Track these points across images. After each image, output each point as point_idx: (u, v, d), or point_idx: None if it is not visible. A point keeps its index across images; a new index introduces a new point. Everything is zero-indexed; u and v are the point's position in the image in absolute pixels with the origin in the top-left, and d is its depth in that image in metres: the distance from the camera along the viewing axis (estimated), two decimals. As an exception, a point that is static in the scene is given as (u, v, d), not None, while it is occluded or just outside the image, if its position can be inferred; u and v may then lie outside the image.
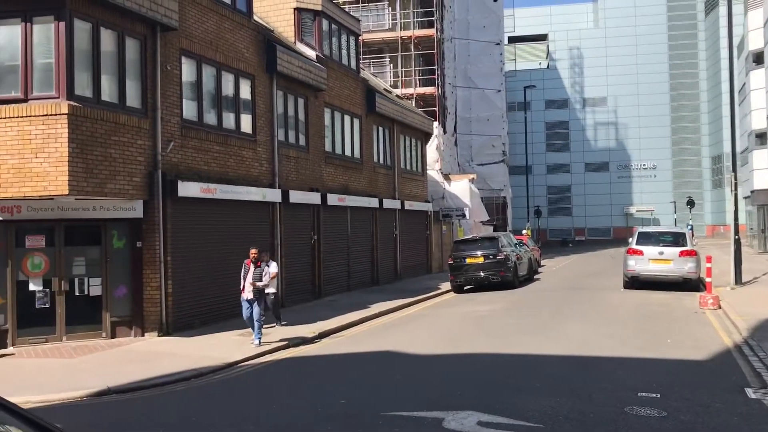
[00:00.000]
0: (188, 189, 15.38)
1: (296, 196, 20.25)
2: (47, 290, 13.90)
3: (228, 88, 17.65)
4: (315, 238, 21.78)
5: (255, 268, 13.60)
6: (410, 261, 30.35)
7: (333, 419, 7.87)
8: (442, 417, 7.70)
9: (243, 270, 13.73)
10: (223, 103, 17.43)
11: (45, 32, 12.81)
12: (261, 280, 13.52)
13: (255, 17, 19.23)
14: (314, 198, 21.44)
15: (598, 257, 43.67)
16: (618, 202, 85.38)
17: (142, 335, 14.55)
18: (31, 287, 13.81)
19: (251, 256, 13.73)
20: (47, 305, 13.89)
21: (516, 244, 26.89)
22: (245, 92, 18.31)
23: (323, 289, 22.00)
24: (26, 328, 13.73)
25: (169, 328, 14.82)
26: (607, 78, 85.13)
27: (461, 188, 37.33)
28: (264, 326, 13.90)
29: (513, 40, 73.67)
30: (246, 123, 18.29)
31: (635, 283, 21.42)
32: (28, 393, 9.42)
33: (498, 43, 48.55)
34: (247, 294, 13.49)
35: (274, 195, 19.09)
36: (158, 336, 14.52)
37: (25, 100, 12.67)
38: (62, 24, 12.65)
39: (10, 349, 13.30)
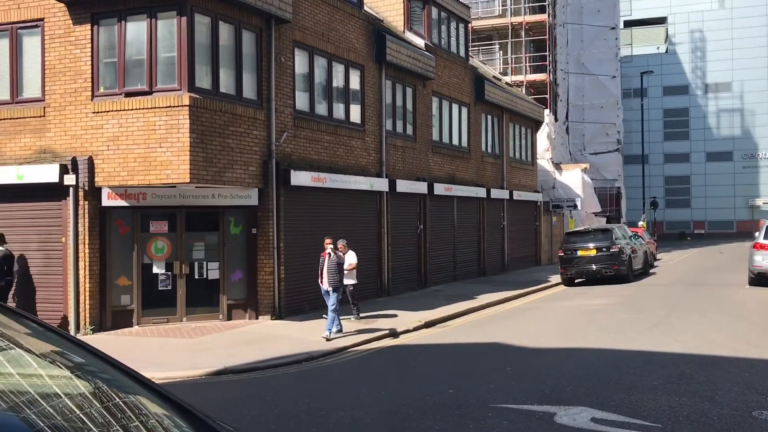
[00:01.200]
0: (300, 178, 15.77)
1: (403, 186, 20.33)
2: (169, 273, 14.66)
3: (338, 79, 17.92)
4: (421, 227, 21.81)
5: (329, 259, 13.39)
6: (518, 252, 29.84)
7: (441, 408, 7.85)
8: (554, 411, 7.51)
9: (320, 261, 13.61)
10: (334, 93, 17.72)
11: (168, 27, 13.45)
12: (337, 270, 13.29)
13: (365, 7, 19.39)
14: (421, 187, 21.45)
15: (719, 252, 41.30)
16: (742, 193, 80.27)
17: (256, 318, 15.09)
18: (155, 270, 14.61)
19: (326, 246, 13.49)
20: (169, 287, 14.66)
21: (631, 236, 25.87)
22: (355, 82, 18.53)
23: (429, 278, 22.02)
24: (150, 309, 14.55)
25: (281, 311, 15.29)
26: (732, 62, 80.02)
27: (573, 178, 36.26)
28: (341, 317, 13.56)
29: (629, 24, 70.59)
30: (355, 113, 18.52)
31: (762, 280, 20.09)
32: (152, 370, 9.98)
33: (613, 28, 46.64)
34: (325, 284, 13.30)
35: (381, 184, 19.25)
36: (271, 319, 15.01)
37: (150, 93, 13.37)
38: (184, 19, 13.23)
39: (135, 328, 14.15)
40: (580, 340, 12.42)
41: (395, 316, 15.62)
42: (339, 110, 18.01)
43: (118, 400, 2.37)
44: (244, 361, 10.79)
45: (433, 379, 9.61)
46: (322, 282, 13.51)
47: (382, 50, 19.03)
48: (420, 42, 21.88)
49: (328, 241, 13.61)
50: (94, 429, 2.16)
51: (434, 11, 22.89)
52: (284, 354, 11.39)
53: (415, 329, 14.35)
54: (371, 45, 18.97)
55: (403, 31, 21.92)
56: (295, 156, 15.97)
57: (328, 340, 12.57)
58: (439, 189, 22.49)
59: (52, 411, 2.24)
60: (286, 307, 15.47)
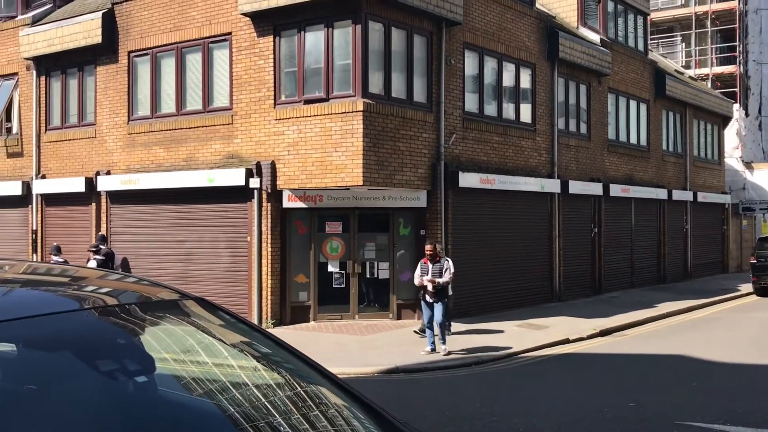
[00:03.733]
0: (468, 180, 15.71)
1: (576, 187, 19.60)
2: (343, 272, 15.20)
3: (508, 79, 17.65)
4: (595, 230, 20.90)
5: (433, 264, 12.06)
6: (702, 258, 27.69)
7: (621, 422, 7.43)
8: (748, 434, 6.85)
9: (419, 269, 12.22)
10: (504, 93, 17.48)
11: (344, 35, 13.95)
12: (441, 277, 11.97)
13: (537, 5, 18.95)
14: (595, 188, 20.56)
15: None
16: None
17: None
18: (330, 268, 15.21)
19: (427, 252, 12.17)
20: (342, 286, 15.20)
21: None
22: (525, 81, 18.15)
23: (603, 284, 21.04)
24: (325, 305, 15.17)
25: (449, 313, 15.27)
26: None
27: (766, 178, 33.06)
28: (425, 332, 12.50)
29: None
30: (525, 112, 18.14)
31: None
32: (326, 365, 10.33)
33: (816, 11, 41.99)
34: (428, 295, 11.95)
35: (552, 185, 18.70)
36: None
37: (326, 100, 13.94)
38: (358, 27, 13.65)
39: (311, 323, 14.82)
40: (778, 357, 11.27)
41: (566, 322, 15.07)
42: (509, 110, 17.73)
43: (299, 389, 2.45)
44: (415, 361, 10.91)
45: (611, 390, 9.14)
46: (425, 294, 12.04)
47: (555, 47, 18.48)
48: (595, 37, 20.99)
49: (429, 247, 12.25)
50: (277, 416, 2.24)
51: (610, 4, 21.87)
52: (452, 356, 11.36)
53: (589, 337, 13.76)
54: (543, 42, 18.49)
55: (577, 27, 21.15)
56: (463, 158, 15.94)
57: (430, 353, 11.61)
58: (616, 190, 21.43)
59: (240, 398, 2.36)
60: (454, 309, 15.43)
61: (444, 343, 11.69)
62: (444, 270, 11.98)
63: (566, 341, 13.20)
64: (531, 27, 18.14)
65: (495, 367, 11.07)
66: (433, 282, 11.80)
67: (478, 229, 16.38)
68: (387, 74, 14.24)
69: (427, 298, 11.92)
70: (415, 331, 13.33)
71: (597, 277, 20.91)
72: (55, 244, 16.53)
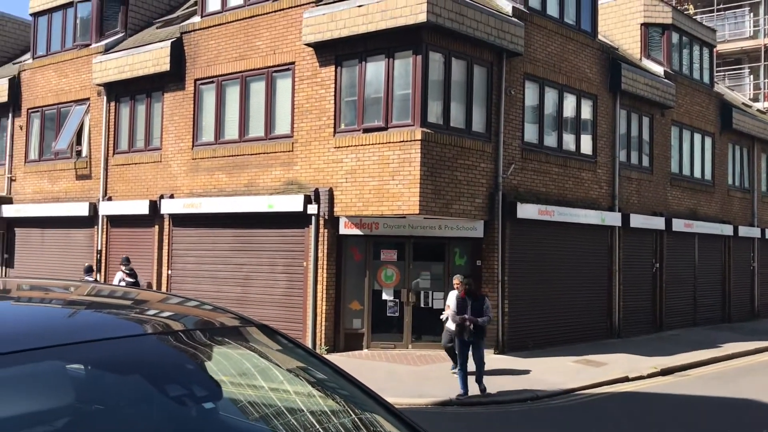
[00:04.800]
0: (526, 211, 15.55)
1: (637, 221, 19.16)
2: (397, 300, 15.16)
3: (569, 110, 17.48)
4: (657, 265, 20.34)
5: (473, 301, 11.19)
6: (771, 298, 26.58)
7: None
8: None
9: (456, 304, 11.35)
10: (564, 124, 17.31)
11: (404, 66, 14.09)
12: (482, 315, 11.14)
13: (599, 36, 18.78)
14: (657, 223, 20.06)
15: None
16: None
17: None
18: (384, 296, 15.20)
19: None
20: (396, 314, 15.14)
21: None
22: (586, 113, 17.94)
23: (664, 321, 20.39)
24: (378, 333, 15.13)
25: (504, 346, 15.06)
26: None
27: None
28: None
29: None
30: (586, 144, 17.90)
31: None
32: (380, 394, 10.30)
33: None
34: (466, 333, 11.05)
35: (613, 218, 18.32)
36: (494, 353, 14.83)
37: (385, 129, 14.06)
38: (419, 57, 13.78)
39: (364, 351, 14.78)
40: None
41: (625, 360, 14.62)
42: (569, 141, 17.52)
43: (354, 416, 2.44)
44: (470, 393, 10.72)
45: (672, 432, 8.80)
46: (462, 332, 11.12)
47: (617, 79, 18.24)
48: (658, 69, 20.65)
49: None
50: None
51: (675, 36, 21.50)
52: (508, 389, 11.16)
53: (650, 376, 13.32)
54: (605, 74, 18.28)
55: (640, 59, 20.85)
56: (522, 188, 15.80)
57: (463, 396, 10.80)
58: (678, 225, 20.85)
59: (295, 423, 2.36)
60: (509, 343, 15.22)
61: (482, 383, 10.87)
62: (485, 308, 11.22)
63: (625, 379, 12.81)
64: (593, 58, 17.98)
65: (551, 403, 10.81)
66: (472, 321, 10.96)
67: (536, 261, 16.14)
68: (446, 104, 14.29)
69: (465, 336, 11.02)
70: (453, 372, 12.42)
71: (658, 313, 20.29)
72: (87, 264, 17.21)
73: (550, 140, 16.92)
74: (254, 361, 2.54)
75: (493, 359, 14.25)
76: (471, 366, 10.99)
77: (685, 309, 21.56)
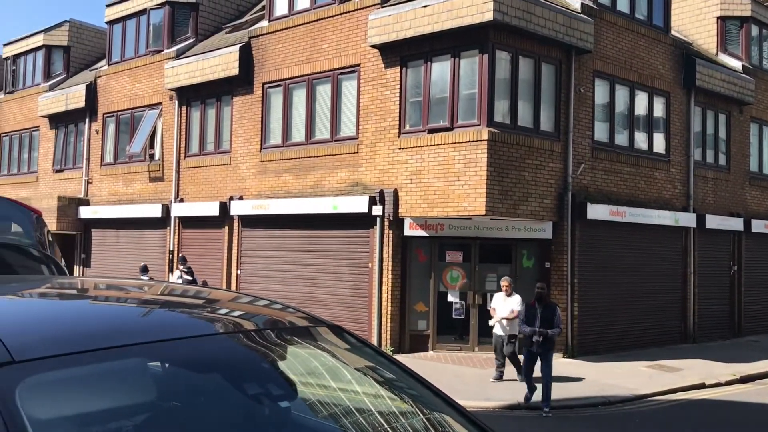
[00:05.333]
0: (597, 211, 15.17)
1: (713, 222, 18.44)
2: (462, 302, 15.02)
3: (640, 107, 16.98)
4: (735, 268, 19.53)
5: (543, 309, 10.41)
6: None
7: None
8: None
9: (525, 312, 10.65)
10: (635, 122, 16.82)
11: (470, 65, 13.96)
12: (553, 326, 10.26)
13: (672, 31, 18.18)
14: (735, 224, 19.25)
15: None
16: None
17: (547, 355, 14.71)
18: (449, 298, 15.08)
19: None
20: (462, 316, 15.00)
21: None
22: (659, 110, 17.39)
23: (743, 326, 19.55)
24: (443, 335, 15.04)
25: (573, 350, 14.73)
26: None
27: None
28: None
29: None
30: (659, 142, 17.35)
31: None
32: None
33: None
34: (535, 345, 10.32)
35: (687, 219, 17.69)
36: (563, 357, 14.52)
37: (450, 129, 13.95)
38: (485, 56, 13.62)
39: (430, 353, 14.71)
40: None
41: (701, 366, 14.08)
42: (641, 140, 17.02)
43: (422, 416, 2.40)
44: (537, 399, 10.53)
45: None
46: (531, 344, 10.39)
47: (692, 75, 17.61)
48: (736, 64, 19.83)
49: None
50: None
51: (754, 29, 20.61)
52: (578, 395, 10.90)
53: (728, 383, 12.78)
54: (678, 70, 17.68)
55: (716, 54, 20.08)
56: (591, 188, 15.42)
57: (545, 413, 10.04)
58: (758, 226, 19.96)
59: (363, 422, 2.34)
60: (579, 347, 14.87)
61: (548, 404, 9.96)
62: (556, 318, 10.37)
63: (701, 386, 12.33)
64: (665, 54, 17.41)
65: (623, 409, 10.49)
66: (542, 334, 10.15)
67: (606, 263, 15.73)
68: (513, 103, 14.09)
69: (533, 347, 10.27)
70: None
71: (736, 318, 19.48)
72: (142, 263, 17.94)
73: (621, 139, 16.47)
74: (324, 360, 2.54)
75: (562, 363, 13.95)
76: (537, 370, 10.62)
77: (765, 314, 20.61)
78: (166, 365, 2.10)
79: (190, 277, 16.89)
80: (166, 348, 2.02)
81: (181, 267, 16.96)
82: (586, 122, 15.36)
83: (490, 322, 12.54)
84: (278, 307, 2.80)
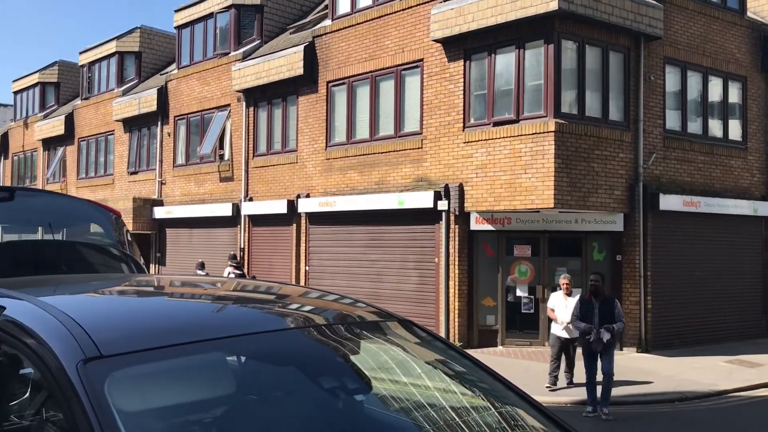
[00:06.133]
0: (669, 202, 14.72)
1: (796, 211, 17.60)
2: (531, 297, 14.82)
3: (714, 94, 16.36)
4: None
5: (601, 303, 9.56)
6: None
7: None
8: None
9: (580, 308, 9.74)
10: (709, 109, 16.22)
11: (535, 56, 13.74)
12: (613, 321, 9.43)
13: (748, 13, 17.43)
14: (820, 212, 18.31)
15: None
16: None
17: (620, 349, 14.34)
18: (518, 293, 14.91)
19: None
20: (531, 311, 14.81)
21: None
22: (734, 96, 16.71)
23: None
24: (512, 330, 14.88)
25: (647, 344, 14.35)
26: None
27: None
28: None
29: None
30: (734, 129, 16.68)
31: None
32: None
33: None
34: (595, 343, 9.40)
35: (767, 209, 16.95)
36: (636, 352, 14.17)
37: (516, 121, 13.78)
38: (551, 46, 13.39)
39: (499, 348, 14.58)
40: None
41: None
42: (715, 128, 16.40)
43: (493, 410, 2.39)
44: (612, 395, 10.30)
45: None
46: (588, 341, 9.51)
47: (770, 58, 16.85)
48: (818, 45, 18.83)
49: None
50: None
51: (837, 7, 19.53)
52: (653, 391, 10.61)
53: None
54: (756, 54, 16.94)
55: (796, 34, 19.11)
56: (664, 178, 14.97)
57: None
58: None
59: (435, 415, 2.35)
60: (652, 341, 14.47)
61: (607, 406, 9.33)
62: (617, 312, 9.54)
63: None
64: (741, 37, 16.71)
65: (702, 405, 10.16)
66: (611, 329, 9.34)
67: (681, 255, 15.24)
68: (580, 93, 13.80)
69: (593, 347, 9.44)
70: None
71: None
72: (200, 260, 18.31)
73: (695, 127, 15.92)
74: (395, 354, 2.55)
75: (636, 358, 13.62)
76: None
77: None
78: (243, 359, 2.16)
79: (239, 272, 17.41)
80: (245, 342, 2.08)
81: (231, 263, 17.41)
82: (656, 111, 14.91)
83: (553, 326, 11.26)
84: (349, 302, 2.84)
